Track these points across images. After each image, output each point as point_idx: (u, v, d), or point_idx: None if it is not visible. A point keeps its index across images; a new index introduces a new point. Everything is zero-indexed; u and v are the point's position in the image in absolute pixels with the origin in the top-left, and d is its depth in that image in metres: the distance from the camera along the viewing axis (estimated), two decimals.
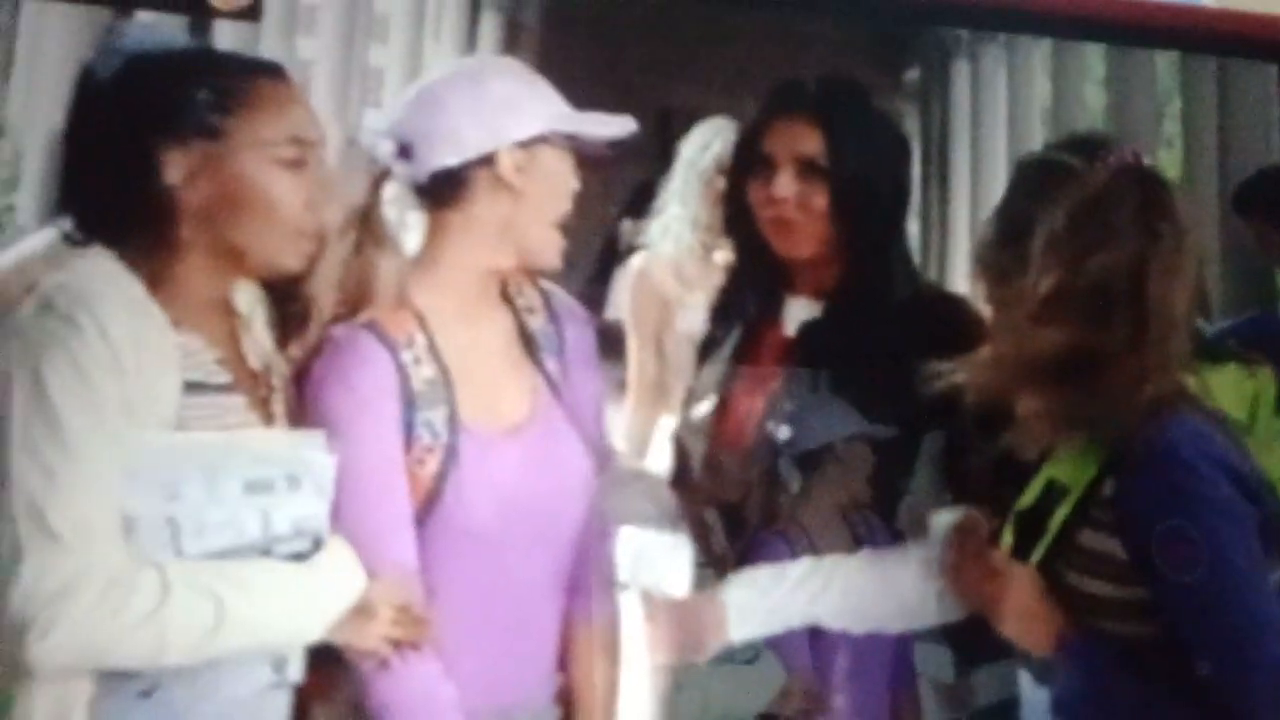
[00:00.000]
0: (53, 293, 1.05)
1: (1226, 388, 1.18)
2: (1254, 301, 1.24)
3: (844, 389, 1.19)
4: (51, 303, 1.04)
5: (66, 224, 1.10)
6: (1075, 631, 1.09)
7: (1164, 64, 1.28)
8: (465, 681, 1.12)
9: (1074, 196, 1.11)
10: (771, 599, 1.19)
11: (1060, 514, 1.11)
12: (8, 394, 1.02)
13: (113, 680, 1.03)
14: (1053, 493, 1.12)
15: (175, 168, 1.07)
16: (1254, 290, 1.23)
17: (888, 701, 1.21)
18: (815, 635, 1.20)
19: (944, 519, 1.17)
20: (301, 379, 1.15)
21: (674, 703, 1.21)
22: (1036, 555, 1.11)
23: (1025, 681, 1.13)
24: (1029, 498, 1.13)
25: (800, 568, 1.19)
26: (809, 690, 1.21)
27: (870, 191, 1.24)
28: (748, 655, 1.20)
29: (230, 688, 1.06)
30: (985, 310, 1.17)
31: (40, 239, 1.17)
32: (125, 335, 1.04)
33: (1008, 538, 1.13)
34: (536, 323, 1.23)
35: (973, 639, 1.17)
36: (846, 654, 1.20)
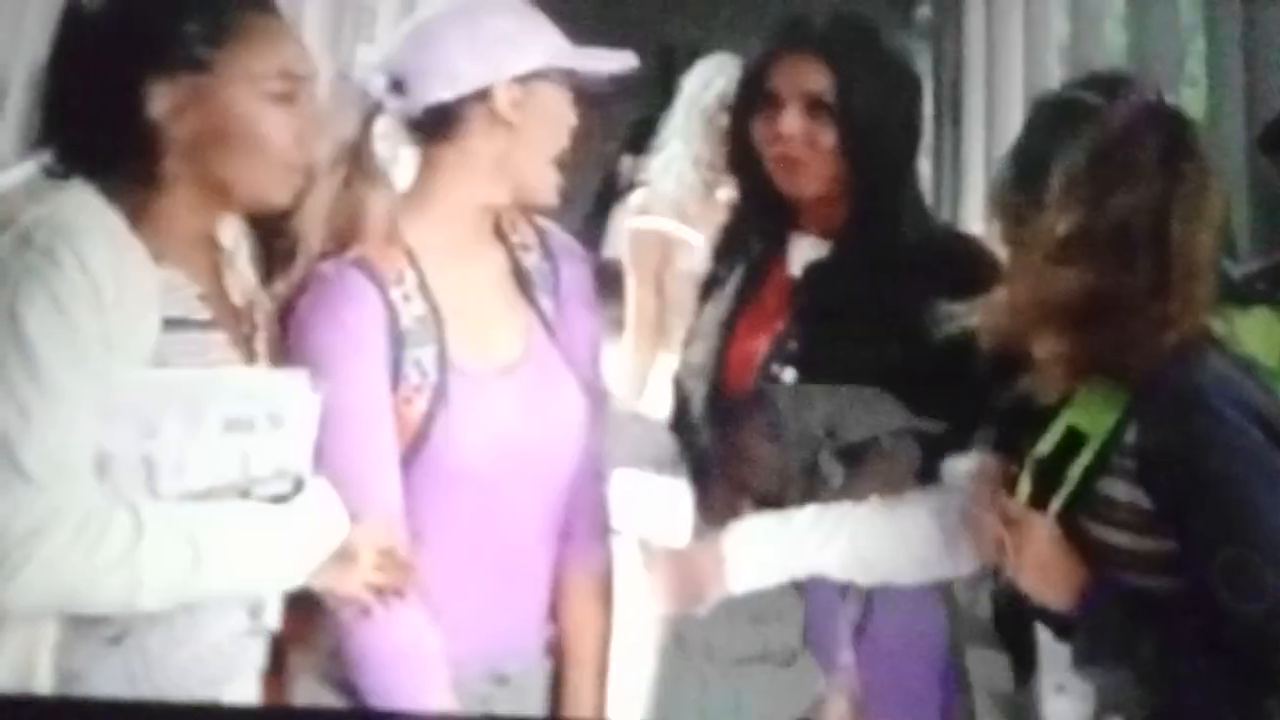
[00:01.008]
0: (31, 226, 0.95)
1: (1255, 332, 1.06)
2: None
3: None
4: (30, 236, 0.94)
5: (47, 157, 0.99)
6: (1096, 585, 0.97)
7: (1186, 1, 1.16)
8: (452, 630, 1.01)
9: (1094, 135, 1.00)
10: (775, 547, 1.06)
11: (1080, 462, 0.99)
12: None
13: (81, 626, 0.92)
14: (1072, 440, 1.00)
15: (161, 101, 0.97)
16: None
17: (938, 714, 1.09)
18: (859, 638, 1.08)
19: (959, 465, 1.04)
20: (286, 316, 1.04)
21: (703, 705, 1.08)
22: (1055, 505, 0.99)
23: (1044, 637, 1.00)
24: (1048, 445, 1.01)
25: (806, 515, 1.07)
26: (850, 699, 1.06)
27: (879, 130, 1.12)
28: (785, 657, 1.07)
29: (203, 634, 0.96)
30: (1000, 251, 1.05)
31: (20, 172, 1.06)
32: (105, 270, 0.94)
33: (1025, 486, 1.01)
34: (531, 260, 1.11)
35: (1033, 643, 1.04)
36: (893, 659, 1.08)
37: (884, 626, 1.10)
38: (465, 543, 1.03)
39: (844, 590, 1.10)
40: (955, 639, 1.09)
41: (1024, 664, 1.07)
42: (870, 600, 1.10)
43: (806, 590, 1.10)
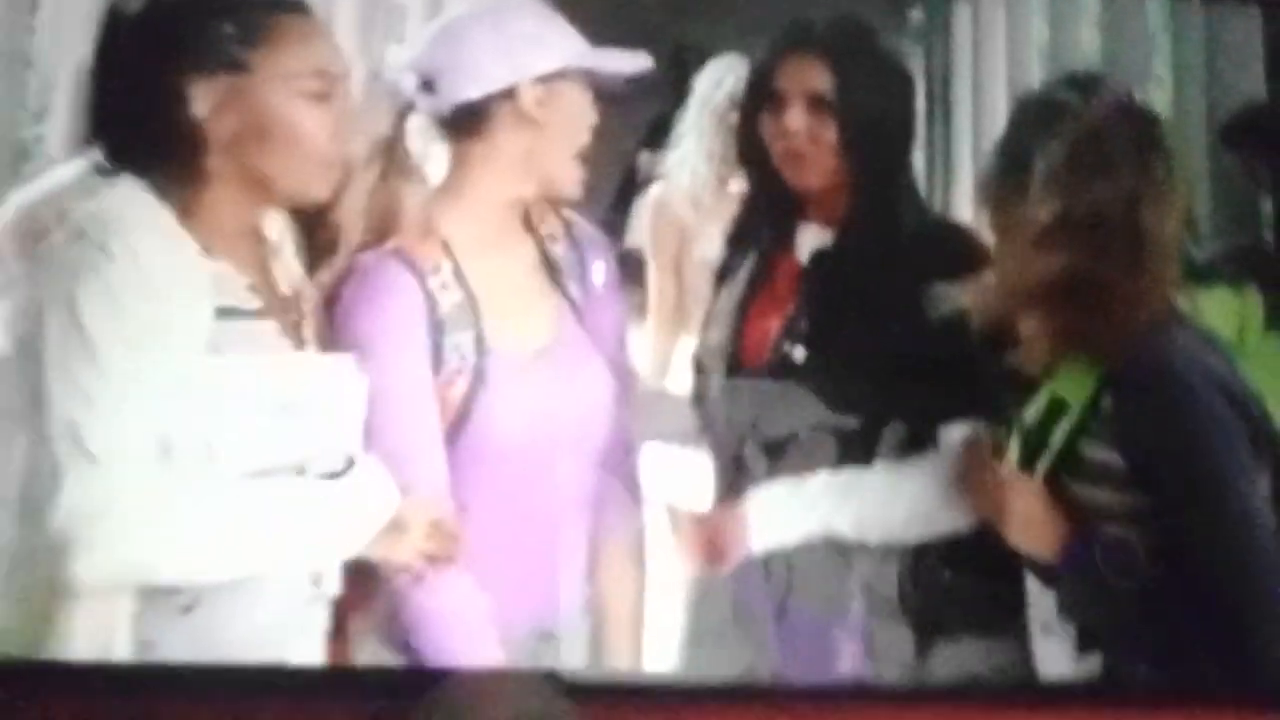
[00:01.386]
0: (84, 222, 1.00)
1: (1216, 308, 1.16)
2: (1239, 226, 1.23)
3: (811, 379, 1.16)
4: (84, 231, 0.99)
5: (96, 154, 1.04)
6: (1078, 537, 1.07)
7: (1154, 6, 1.26)
8: (497, 593, 1.07)
9: (1072, 131, 1.09)
10: (790, 510, 1.15)
11: (1063, 428, 1.09)
12: (42, 321, 0.97)
13: (154, 597, 0.98)
14: (1055, 408, 1.10)
15: (202, 100, 1.02)
16: (1240, 216, 1.22)
17: (849, 681, 1.17)
18: (781, 615, 1.16)
19: (955, 434, 1.14)
20: (331, 304, 1.10)
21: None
22: (1041, 466, 1.09)
23: (1033, 585, 1.10)
24: (1033, 413, 1.10)
25: (818, 481, 1.15)
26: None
27: (877, 125, 1.19)
28: None
29: (270, 602, 1.02)
30: (988, 238, 1.14)
31: (70, 169, 1.11)
32: (157, 262, 0.99)
33: (1014, 451, 1.11)
34: (559, 250, 1.18)
35: (933, 617, 1.15)
36: (810, 633, 1.16)
37: (802, 604, 1.17)
38: (507, 512, 1.09)
39: (767, 573, 1.18)
40: (866, 614, 1.17)
41: (923, 635, 1.17)
42: (790, 580, 1.18)
43: (734, 573, 1.17)
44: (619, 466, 1.17)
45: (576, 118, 1.15)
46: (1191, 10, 1.24)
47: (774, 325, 1.20)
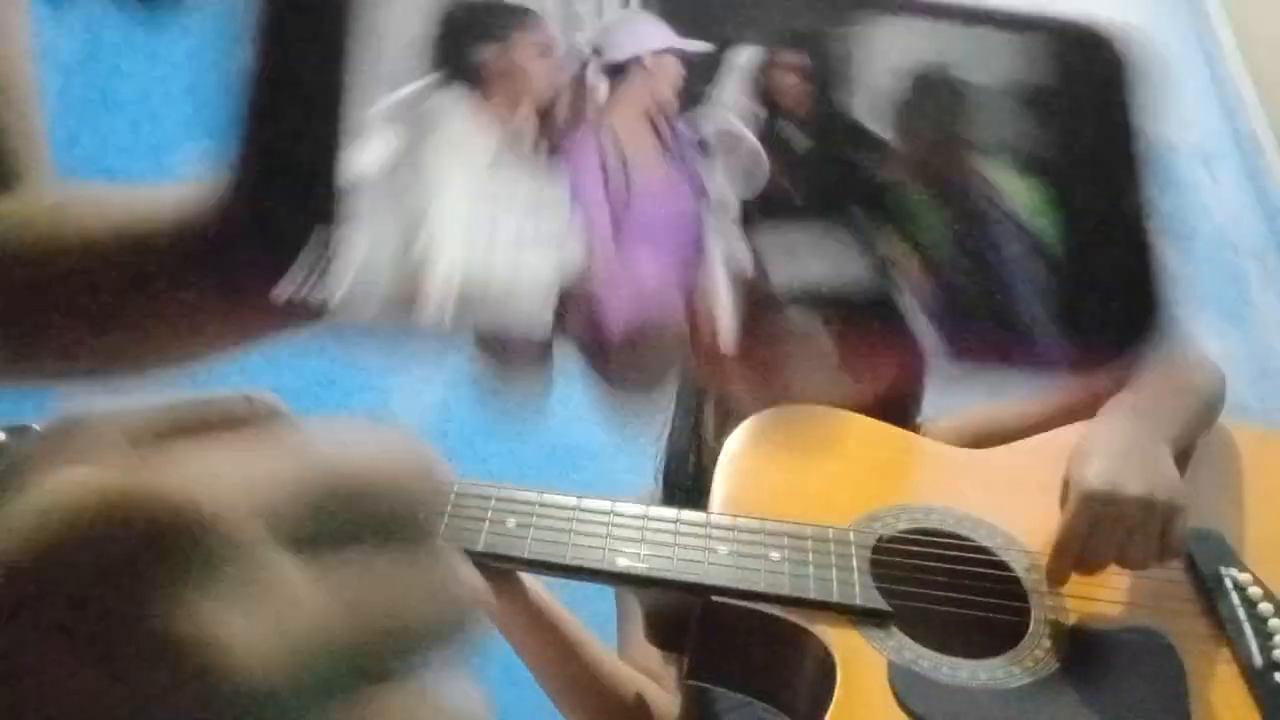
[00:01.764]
0: (429, 106, 1.65)
1: (1017, 190, 2.10)
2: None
3: None
4: (427, 111, 1.58)
5: (437, 76, 1.84)
6: None
7: None
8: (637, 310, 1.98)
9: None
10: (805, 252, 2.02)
11: None
12: (398, 165, 1.81)
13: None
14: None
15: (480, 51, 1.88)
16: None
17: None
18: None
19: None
20: (554, 158, 1.99)
21: None
22: None
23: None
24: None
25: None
26: None
27: (835, 86, 2.13)
28: None
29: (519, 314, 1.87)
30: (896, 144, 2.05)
31: (423, 82, 1.89)
32: (470, 134, 1.56)
33: None
34: (667, 137, 2.09)
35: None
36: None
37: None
38: (640, 265, 2.01)
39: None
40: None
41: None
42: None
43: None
44: (697, 247, 2.07)
45: (671, 72, 2.06)
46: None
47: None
